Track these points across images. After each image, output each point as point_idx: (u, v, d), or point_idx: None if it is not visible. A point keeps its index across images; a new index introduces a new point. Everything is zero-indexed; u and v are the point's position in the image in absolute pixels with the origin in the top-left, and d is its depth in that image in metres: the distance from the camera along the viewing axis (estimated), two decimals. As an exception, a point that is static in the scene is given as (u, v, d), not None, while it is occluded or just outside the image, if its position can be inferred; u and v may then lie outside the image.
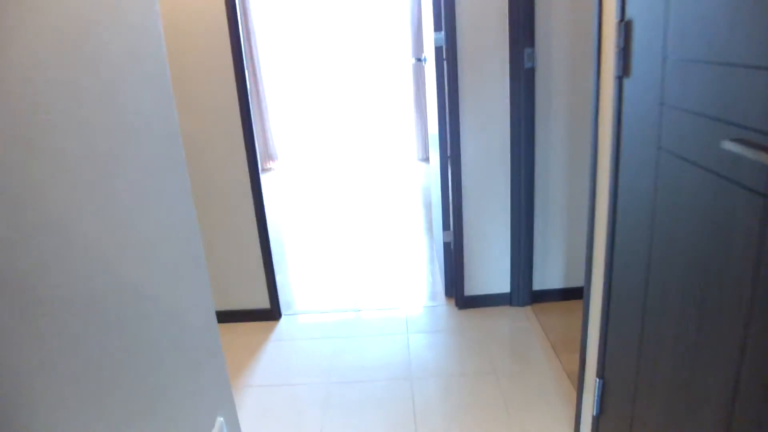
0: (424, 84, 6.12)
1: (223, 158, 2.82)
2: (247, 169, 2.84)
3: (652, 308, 1.38)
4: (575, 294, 3.10)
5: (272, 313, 3.07)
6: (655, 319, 1.37)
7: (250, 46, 5.87)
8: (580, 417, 2.06)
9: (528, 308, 3.08)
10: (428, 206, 4.84)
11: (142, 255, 1.22)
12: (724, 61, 1.00)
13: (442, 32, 2.69)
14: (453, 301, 3.17)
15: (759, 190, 0.94)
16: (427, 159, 6.43)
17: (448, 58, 2.67)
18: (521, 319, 2.97)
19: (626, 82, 1.41)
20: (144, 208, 1.25)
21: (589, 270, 1.86)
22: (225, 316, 3.05)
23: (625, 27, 1.38)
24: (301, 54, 6.47)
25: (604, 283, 1.69)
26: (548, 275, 3.08)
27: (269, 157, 6.50)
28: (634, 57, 1.36)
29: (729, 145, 0.97)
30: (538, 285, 3.10)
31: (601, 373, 1.80)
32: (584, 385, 1.99)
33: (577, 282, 3.09)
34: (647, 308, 1.41)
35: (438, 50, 2.78)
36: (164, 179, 1.39)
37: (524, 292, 3.07)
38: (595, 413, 1.86)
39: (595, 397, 1.84)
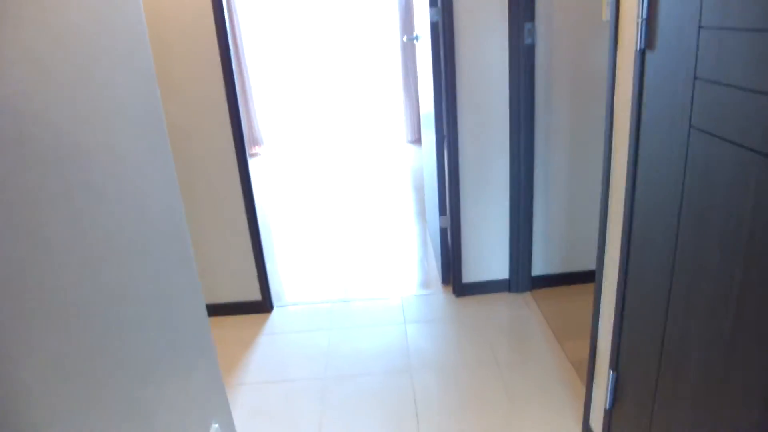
0: (413, 64, 5.97)
1: (210, 146, 2.67)
2: (235, 157, 2.70)
3: (679, 295, 1.28)
4: (576, 279, 3.02)
5: (264, 305, 2.95)
6: (683, 308, 1.27)
7: (234, 28, 5.67)
8: (589, 409, 1.97)
9: (527, 294, 2.99)
10: (419, 190, 4.73)
11: (125, 256, 1.10)
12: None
13: (438, 6, 2.55)
14: (450, 289, 3.08)
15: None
16: (416, 141, 6.31)
17: (444, 34, 2.54)
18: (521, 306, 2.88)
19: (650, 55, 1.30)
20: (127, 203, 1.12)
21: (601, 254, 1.77)
22: (215, 310, 2.93)
23: (650, -6, 1.26)
24: (286, 36, 6.28)
25: (620, 268, 1.60)
26: (548, 260, 2.99)
27: (255, 141, 6.33)
28: (660, 28, 1.24)
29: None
30: (537, 270, 3.01)
31: (614, 365, 1.71)
32: (595, 376, 1.90)
33: (578, 266, 3.01)
34: (673, 296, 1.31)
35: (433, 26, 2.65)
36: (148, 171, 1.26)
37: (523, 278, 2.98)
38: (607, 406, 1.77)
39: (609, 390, 1.75)
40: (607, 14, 2.55)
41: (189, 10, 2.45)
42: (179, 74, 2.54)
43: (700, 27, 1.10)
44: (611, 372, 1.72)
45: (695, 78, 1.13)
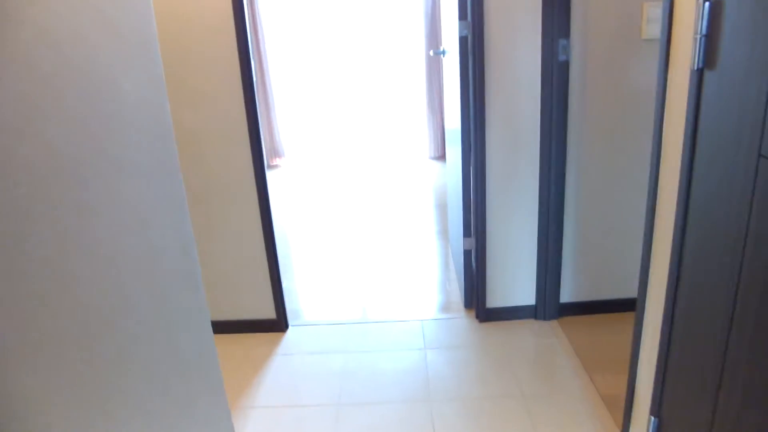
0: (437, 79, 5.88)
1: (227, 157, 2.59)
2: (252, 168, 2.61)
3: (740, 346, 1.15)
4: (606, 307, 2.87)
5: (279, 323, 2.84)
6: (744, 360, 1.13)
7: (258, 40, 5.64)
8: (624, 454, 1.83)
9: (554, 322, 2.84)
10: (441, 208, 4.61)
11: (121, 275, 1.00)
12: None
13: (468, 20, 2.45)
14: (473, 313, 2.94)
15: None
16: (439, 157, 6.20)
17: (474, 48, 2.44)
18: (548, 334, 2.74)
19: (709, 75, 1.18)
20: (126, 218, 1.03)
21: (644, 285, 1.63)
22: (228, 327, 2.83)
23: (712, 8, 1.14)
24: (309, 48, 6.23)
25: (667, 302, 1.46)
26: (577, 286, 2.85)
27: (276, 153, 6.27)
28: (723, 45, 1.12)
29: None
30: (565, 297, 2.86)
31: (656, 411, 1.57)
32: (632, 420, 1.76)
33: (609, 294, 2.86)
34: (731, 345, 1.18)
35: (462, 40, 2.54)
36: (153, 184, 1.16)
37: (551, 305, 2.84)
38: (646, 454, 1.63)
39: (648, 437, 1.61)
40: (647, 32, 2.43)
41: (209, 16, 2.37)
42: (196, 82, 2.47)
43: (774, 44, 0.98)
44: (652, 418, 1.58)
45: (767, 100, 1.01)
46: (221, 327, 2.84)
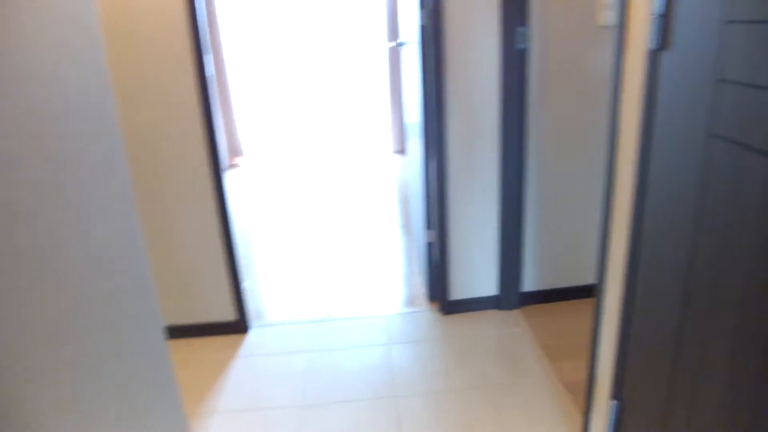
0: (399, 72, 5.85)
1: (182, 156, 2.50)
2: (208, 167, 2.53)
3: (696, 322, 1.14)
4: (567, 294, 2.89)
5: (239, 325, 2.77)
6: (699, 335, 1.13)
7: (215, 35, 5.51)
8: (589, 440, 1.83)
9: (517, 311, 2.85)
10: (404, 201, 4.59)
11: (63, 283, 0.93)
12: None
13: (427, 9, 2.42)
14: (437, 306, 2.93)
15: None
16: (402, 151, 6.17)
17: (433, 38, 2.41)
18: (511, 324, 2.74)
19: (664, 56, 1.17)
20: (66, 222, 0.96)
21: (602, 271, 1.62)
22: (187, 331, 2.75)
23: (665, -12, 1.13)
24: (269, 43, 6.13)
25: (624, 288, 1.46)
26: (538, 275, 2.85)
27: (236, 152, 6.15)
28: (679, 23, 1.11)
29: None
30: (527, 286, 2.87)
31: (617, 394, 1.56)
32: (593, 405, 1.76)
33: (569, 282, 2.88)
34: (688, 320, 1.17)
35: (422, 30, 2.51)
36: (97, 185, 1.09)
37: (513, 295, 2.84)
38: (610, 439, 1.63)
39: (610, 421, 1.61)
40: (603, 19, 2.44)
41: (161, 9, 2.28)
42: (148, 79, 2.38)
43: (727, 21, 0.97)
44: (613, 401, 1.58)
45: (719, 80, 1.00)
46: (180, 331, 2.75)
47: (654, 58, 1.19)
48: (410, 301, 3.01)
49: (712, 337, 1.09)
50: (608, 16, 2.40)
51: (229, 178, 5.55)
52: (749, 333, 0.97)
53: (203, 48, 2.37)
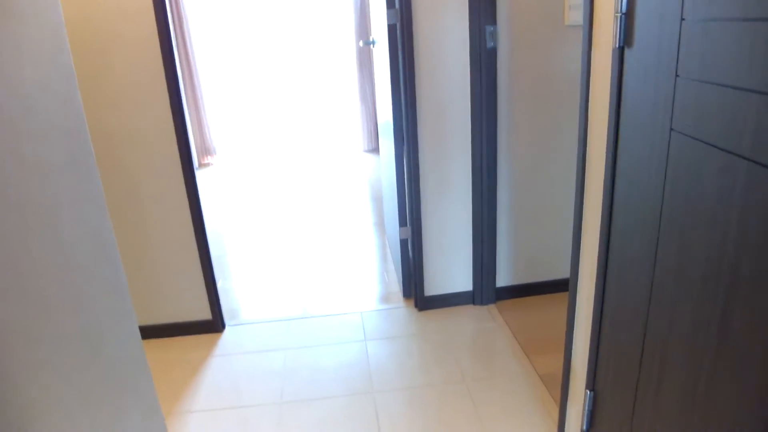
0: (369, 71, 5.86)
1: (153, 157, 2.48)
2: (180, 168, 2.51)
3: (660, 310, 1.18)
4: (541, 289, 2.94)
5: (214, 324, 2.76)
6: (664, 323, 1.17)
7: (184, 34, 5.45)
8: (563, 430, 1.87)
9: (492, 306, 2.89)
10: (377, 200, 4.60)
11: (32, 283, 0.93)
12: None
13: (396, 8, 2.44)
14: (412, 303, 2.95)
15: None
16: (373, 150, 6.19)
17: (403, 37, 2.43)
18: (486, 318, 2.78)
19: (629, 53, 1.21)
20: (34, 221, 0.95)
21: (575, 265, 1.66)
22: (163, 331, 2.72)
23: (629, -13, 1.16)
24: (239, 43, 6.07)
25: (598, 281, 1.50)
26: (513, 270, 2.90)
27: (207, 151, 6.10)
28: (639, 23, 1.15)
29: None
30: (501, 281, 2.91)
31: (591, 385, 1.61)
32: (569, 395, 1.80)
33: (543, 276, 2.93)
34: (652, 311, 1.21)
35: (391, 29, 2.53)
36: (65, 183, 1.08)
37: (488, 290, 2.88)
38: (584, 428, 1.67)
39: (585, 411, 1.65)
40: (569, 19, 2.49)
41: (127, 8, 2.25)
42: (116, 79, 2.34)
43: (682, 19, 1.00)
44: (588, 392, 1.62)
45: (676, 76, 1.04)
46: (155, 331, 2.72)
47: (619, 55, 1.23)
48: (385, 298, 3.03)
49: (675, 326, 1.13)
50: (575, 16, 2.45)
51: (201, 178, 5.50)
52: (707, 320, 1.01)
53: (172, 46, 2.35)
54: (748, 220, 0.88)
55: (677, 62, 1.04)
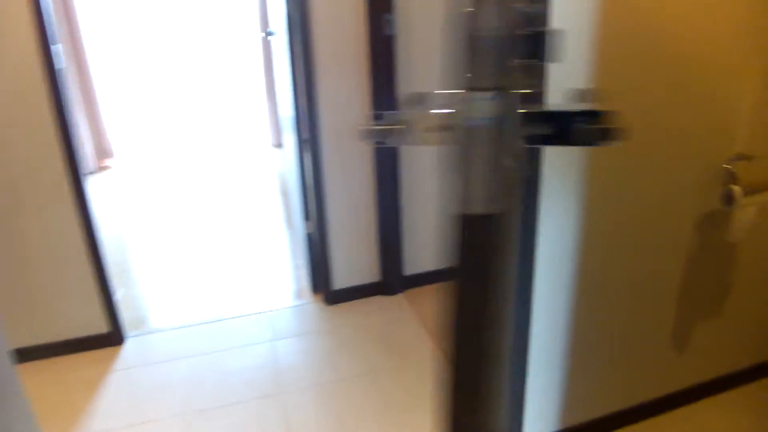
0: (273, 64, 5.74)
1: (35, 161, 2.29)
2: (66, 171, 2.34)
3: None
4: (447, 276, 2.98)
5: (113, 337, 2.61)
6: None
7: (72, 26, 5.11)
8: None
9: (401, 296, 2.91)
10: (286, 195, 4.53)
11: None
12: None
13: None
14: (321, 298, 2.92)
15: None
16: (281, 144, 6.08)
17: (300, 27, 2.37)
18: (395, 308, 2.80)
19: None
20: None
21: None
22: (52, 350, 2.54)
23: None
24: (138, 38, 5.78)
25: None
26: (419, 258, 2.93)
27: (105, 153, 5.77)
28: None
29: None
30: (409, 270, 2.93)
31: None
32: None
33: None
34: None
35: (289, 19, 2.46)
36: None
37: (396, 280, 2.90)
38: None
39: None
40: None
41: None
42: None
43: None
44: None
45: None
46: (45, 351, 2.53)
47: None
48: (297, 295, 2.99)
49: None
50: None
51: (98, 181, 5.20)
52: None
53: (51, 38, 2.18)
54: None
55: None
